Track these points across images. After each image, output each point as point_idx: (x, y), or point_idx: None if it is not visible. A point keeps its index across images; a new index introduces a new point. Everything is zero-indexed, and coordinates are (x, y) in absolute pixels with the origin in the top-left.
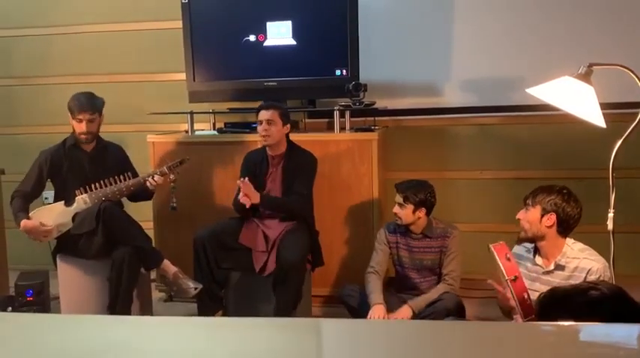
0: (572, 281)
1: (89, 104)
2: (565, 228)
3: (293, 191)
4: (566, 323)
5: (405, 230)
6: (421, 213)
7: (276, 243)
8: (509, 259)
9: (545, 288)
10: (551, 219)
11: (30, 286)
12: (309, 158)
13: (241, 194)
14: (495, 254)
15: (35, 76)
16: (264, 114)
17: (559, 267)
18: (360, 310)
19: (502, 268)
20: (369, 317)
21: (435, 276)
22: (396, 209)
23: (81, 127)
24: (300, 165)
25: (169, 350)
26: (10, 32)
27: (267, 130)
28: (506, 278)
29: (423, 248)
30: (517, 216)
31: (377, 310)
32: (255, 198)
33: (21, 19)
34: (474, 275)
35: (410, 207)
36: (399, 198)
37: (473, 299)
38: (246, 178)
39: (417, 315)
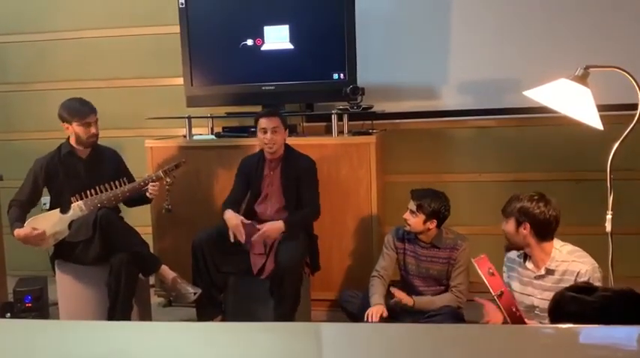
0: (563, 285)
1: (91, 106)
2: (542, 232)
3: (306, 202)
4: (564, 326)
5: (413, 237)
6: (432, 224)
7: (274, 246)
8: (492, 274)
9: (537, 293)
10: (526, 227)
11: (28, 292)
12: (310, 163)
13: (265, 234)
14: (478, 269)
15: (32, 81)
16: (268, 123)
17: (550, 272)
18: (359, 315)
19: (487, 284)
20: (366, 314)
21: (439, 286)
22: (407, 215)
23: (90, 131)
24: (301, 171)
25: (169, 355)
26: (7, 38)
27: (273, 139)
28: (493, 294)
29: (431, 257)
30: (502, 228)
31: (376, 309)
32: (281, 226)
33: (17, 24)
34: (472, 277)
35: (421, 216)
36: (412, 205)
37: (471, 302)
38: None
39: (417, 316)
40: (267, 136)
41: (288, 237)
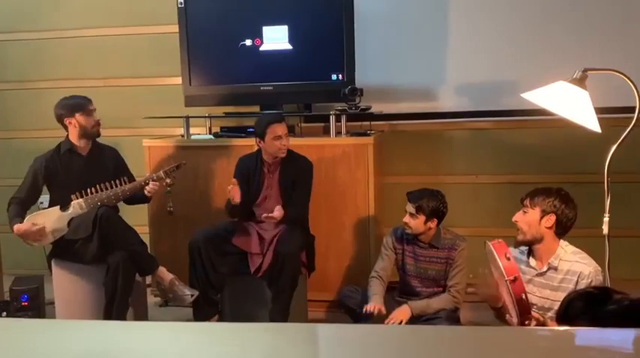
0: (565, 285)
1: (85, 97)
2: (563, 229)
3: (295, 201)
4: (561, 328)
5: (412, 238)
6: (433, 223)
7: (272, 245)
8: (509, 259)
9: (537, 290)
10: (550, 220)
11: (25, 291)
12: (307, 164)
13: (273, 216)
14: (495, 252)
15: (29, 80)
16: (283, 128)
17: (552, 269)
18: (359, 311)
19: (502, 268)
20: (365, 308)
21: (437, 287)
22: (407, 218)
23: (93, 118)
24: (298, 172)
25: (165, 355)
26: (4, 36)
27: (287, 144)
28: (506, 278)
29: (429, 258)
30: (514, 219)
31: (376, 304)
32: (280, 213)
33: (15, 23)
34: (469, 279)
35: (422, 217)
36: (410, 208)
37: (467, 303)
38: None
39: (414, 319)
40: (284, 142)
41: (286, 232)
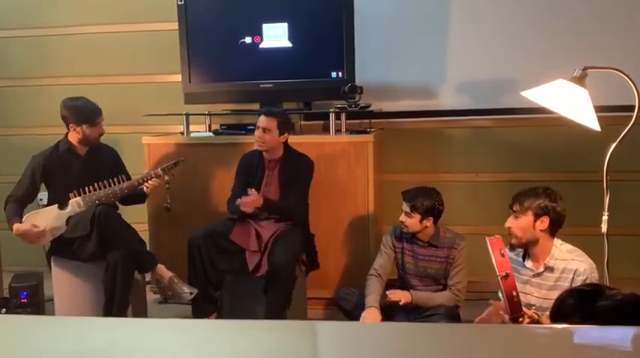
0: (561, 283)
1: (97, 108)
2: (556, 227)
3: (289, 196)
4: (560, 326)
5: (411, 236)
6: (428, 222)
7: (270, 244)
8: (502, 255)
9: (535, 291)
10: (544, 222)
11: (24, 288)
12: (306, 162)
13: (245, 202)
14: (490, 247)
15: (29, 77)
16: (261, 121)
17: (548, 269)
18: (355, 313)
19: (494, 263)
20: (361, 318)
21: (437, 286)
22: (403, 217)
23: (99, 130)
24: (297, 170)
25: (164, 352)
26: (5, 33)
27: (262, 138)
28: (498, 274)
29: (429, 256)
30: (506, 225)
31: (370, 312)
32: (259, 201)
33: (15, 19)
34: (469, 277)
35: (417, 216)
36: (405, 207)
37: (467, 301)
38: (253, 189)
39: (414, 314)
40: (258, 133)
41: (283, 233)
